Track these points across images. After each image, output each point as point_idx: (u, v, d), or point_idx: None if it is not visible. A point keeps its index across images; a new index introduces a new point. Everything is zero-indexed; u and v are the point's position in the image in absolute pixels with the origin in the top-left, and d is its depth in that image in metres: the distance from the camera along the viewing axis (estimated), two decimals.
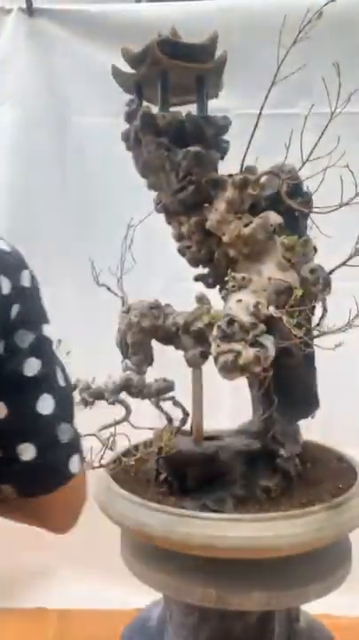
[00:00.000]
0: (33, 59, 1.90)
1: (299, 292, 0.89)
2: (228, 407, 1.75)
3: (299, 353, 1.09)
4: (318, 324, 1.10)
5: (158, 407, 1.07)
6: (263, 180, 1.10)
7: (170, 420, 1.07)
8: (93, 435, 0.90)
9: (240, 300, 0.96)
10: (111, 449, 0.87)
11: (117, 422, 0.94)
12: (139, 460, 1.09)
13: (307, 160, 0.96)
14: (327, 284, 1.14)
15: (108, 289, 1.11)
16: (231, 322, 0.91)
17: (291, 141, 0.92)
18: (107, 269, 1.12)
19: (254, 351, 0.89)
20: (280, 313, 0.90)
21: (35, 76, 1.91)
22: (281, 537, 0.87)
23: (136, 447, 1.08)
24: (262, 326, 0.93)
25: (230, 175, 1.05)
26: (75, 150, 1.95)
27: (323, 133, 0.94)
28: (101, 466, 0.85)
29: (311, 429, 1.59)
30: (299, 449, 1.10)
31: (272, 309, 0.91)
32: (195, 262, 1.16)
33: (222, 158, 1.19)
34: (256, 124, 0.95)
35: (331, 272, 1.07)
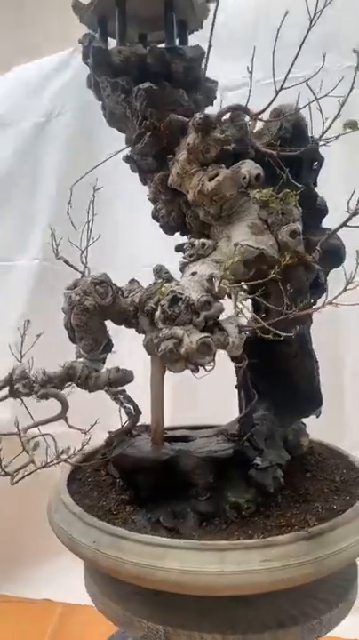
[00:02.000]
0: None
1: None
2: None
3: (296, 340, 0.88)
4: (316, 302, 0.88)
5: (116, 401, 0.91)
6: (259, 125, 0.89)
7: (130, 415, 0.91)
8: (16, 434, 0.76)
9: (194, 273, 0.77)
10: (27, 452, 0.72)
11: (49, 420, 0.79)
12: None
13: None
14: (336, 253, 0.92)
15: (66, 262, 0.95)
16: (175, 300, 0.72)
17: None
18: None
19: (201, 337, 0.70)
20: (234, 289, 0.70)
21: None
22: (227, 574, 0.68)
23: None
24: (218, 305, 0.73)
25: None
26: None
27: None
28: (6, 474, 0.70)
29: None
30: (288, 457, 0.89)
31: (225, 284, 0.70)
32: (168, 229, 0.97)
33: (212, 104, 0.99)
34: None
35: (328, 236, 0.84)
